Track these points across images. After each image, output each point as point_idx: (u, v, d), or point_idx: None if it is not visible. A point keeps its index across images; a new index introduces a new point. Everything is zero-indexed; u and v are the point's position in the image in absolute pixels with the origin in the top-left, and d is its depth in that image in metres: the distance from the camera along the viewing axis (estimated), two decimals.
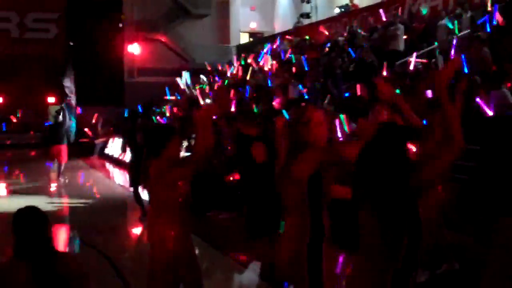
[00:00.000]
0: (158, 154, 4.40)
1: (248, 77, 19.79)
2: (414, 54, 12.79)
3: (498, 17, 12.12)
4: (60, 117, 16.26)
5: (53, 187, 14.85)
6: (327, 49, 18.38)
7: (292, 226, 3.75)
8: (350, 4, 21.92)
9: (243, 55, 24.28)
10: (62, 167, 15.66)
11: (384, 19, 16.67)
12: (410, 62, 12.70)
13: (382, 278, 3.22)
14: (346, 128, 10.05)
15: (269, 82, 17.42)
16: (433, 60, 12.48)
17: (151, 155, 4.46)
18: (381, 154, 3.31)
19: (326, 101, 12.79)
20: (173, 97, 23.18)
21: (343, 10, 22.91)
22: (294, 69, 17.48)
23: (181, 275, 4.37)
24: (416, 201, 3.58)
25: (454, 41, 12.08)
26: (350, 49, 16.25)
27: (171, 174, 4.27)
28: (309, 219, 3.65)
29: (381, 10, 17.32)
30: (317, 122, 3.79)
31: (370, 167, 3.33)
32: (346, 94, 13.16)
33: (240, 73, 21.37)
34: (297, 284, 3.73)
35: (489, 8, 12.80)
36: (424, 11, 16.33)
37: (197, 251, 4.59)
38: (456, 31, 13.02)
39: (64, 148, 15.68)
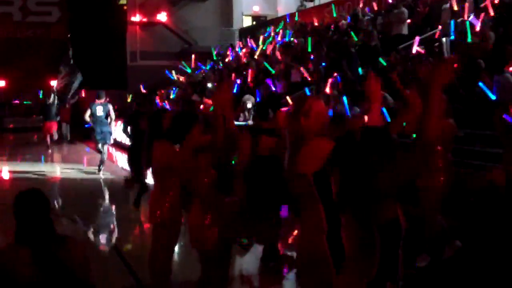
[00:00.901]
0: (180, 140, 4.40)
1: (256, 55, 19.72)
2: (417, 38, 12.71)
3: None
4: (51, 99, 19.85)
5: (53, 169, 15.06)
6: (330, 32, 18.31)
7: (308, 221, 3.68)
8: None
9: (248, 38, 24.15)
10: (54, 138, 19.20)
11: (390, 1, 16.53)
12: (413, 45, 12.62)
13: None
14: (348, 111, 10.02)
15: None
16: (437, 44, 12.40)
17: (174, 140, 4.46)
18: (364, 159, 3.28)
19: (328, 85, 12.72)
20: (180, 78, 23.10)
21: None
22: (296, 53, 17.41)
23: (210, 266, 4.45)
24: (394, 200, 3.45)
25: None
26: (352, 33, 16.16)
27: (198, 159, 4.30)
28: (322, 212, 3.57)
29: None
30: (318, 111, 3.70)
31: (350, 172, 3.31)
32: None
33: (243, 57, 21.28)
34: (320, 275, 3.64)
35: None
36: None
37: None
38: None
39: (54, 124, 19.42)
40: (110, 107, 14.14)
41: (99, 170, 13.86)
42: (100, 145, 13.93)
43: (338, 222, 3.52)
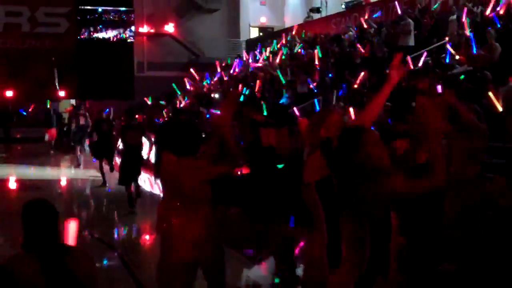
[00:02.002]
0: (194, 152, 4.40)
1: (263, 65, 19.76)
2: (425, 53, 12.74)
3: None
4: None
5: (57, 178, 15.23)
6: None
7: (315, 231, 3.73)
8: None
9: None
10: (52, 143, 22.48)
11: (399, 12, 16.59)
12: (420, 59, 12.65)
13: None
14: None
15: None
16: (443, 55, 12.44)
17: (184, 152, 4.44)
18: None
19: (334, 96, 12.75)
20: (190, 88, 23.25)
21: (349, 5, 22.85)
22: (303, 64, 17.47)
23: (204, 270, 4.44)
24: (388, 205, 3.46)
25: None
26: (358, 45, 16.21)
27: (209, 171, 4.32)
28: (324, 224, 3.61)
29: (396, 3, 17.22)
30: (338, 125, 3.79)
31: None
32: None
33: (249, 68, 21.37)
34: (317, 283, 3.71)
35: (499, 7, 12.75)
36: (435, 6, 16.25)
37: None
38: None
39: (53, 130, 22.78)
40: None
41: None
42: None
43: (338, 235, 3.56)
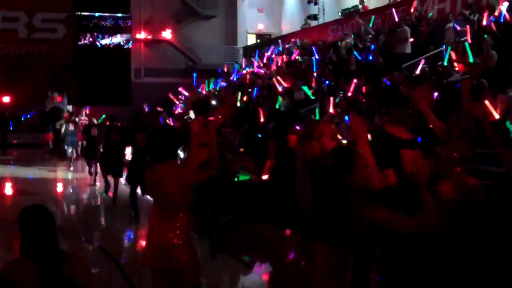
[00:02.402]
0: (168, 158, 4.38)
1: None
2: (422, 61, 12.77)
3: (506, 16, 12.19)
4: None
5: (54, 185, 15.21)
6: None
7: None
8: (360, 5, 21.92)
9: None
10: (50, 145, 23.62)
11: (397, 19, 16.66)
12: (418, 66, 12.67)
13: None
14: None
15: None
16: (439, 63, 12.47)
17: (157, 158, 4.43)
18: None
19: (331, 104, 12.76)
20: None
21: (346, 12, 22.93)
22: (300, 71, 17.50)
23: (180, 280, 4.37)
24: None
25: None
26: (355, 52, 16.25)
27: (185, 179, 4.28)
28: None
29: (393, 10, 17.29)
30: (329, 136, 3.78)
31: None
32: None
33: (248, 75, 21.40)
34: None
35: (496, 13, 12.81)
36: (431, 14, 16.31)
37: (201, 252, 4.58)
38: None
39: (50, 135, 23.86)
40: None
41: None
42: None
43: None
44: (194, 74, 24.17)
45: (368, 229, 3.15)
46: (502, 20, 12.44)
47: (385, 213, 3.14)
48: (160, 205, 4.42)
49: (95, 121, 16.22)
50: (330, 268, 3.31)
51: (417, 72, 12.50)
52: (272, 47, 23.86)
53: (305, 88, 15.06)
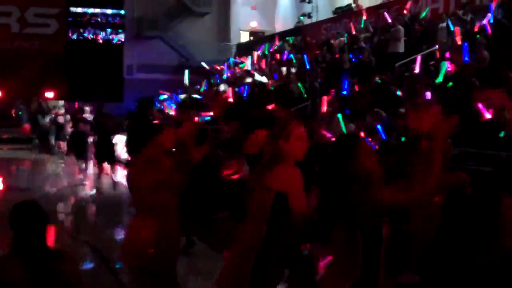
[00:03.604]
0: (137, 151, 4.36)
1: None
2: (419, 58, 12.75)
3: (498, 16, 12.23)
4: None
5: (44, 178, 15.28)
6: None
7: (246, 235, 3.72)
8: (354, 4, 21.95)
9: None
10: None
11: (389, 20, 16.69)
12: (415, 66, 12.61)
13: None
14: (344, 128, 10.03)
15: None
16: (432, 62, 12.49)
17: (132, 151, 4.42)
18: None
19: (324, 102, 12.75)
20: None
21: (339, 11, 22.96)
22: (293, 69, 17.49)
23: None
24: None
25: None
26: (350, 54, 16.25)
27: (149, 176, 4.24)
28: (264, 230, 3.61)
29: (385, 13, 17.31)
30: (297, 137, 3.76)
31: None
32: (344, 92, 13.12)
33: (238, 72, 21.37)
34: None
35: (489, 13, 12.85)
36: (423, 14, 16.33)
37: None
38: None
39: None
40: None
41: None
42: None
43: (275, 247, 3.61)
44: (186, 71, 23.98)
45: (372, 211, 3.17)
46: (492, 21, 12.47)
47: (391, 193, 3.17)
48: (135, 204, 4.42)
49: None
50: (340, 250, 3.34)
51: (416, 70, 12.45)
52: (264, 45, 23.83)
53: (300, 85, 15.05)
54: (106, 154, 12.89)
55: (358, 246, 3.20)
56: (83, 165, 15.16)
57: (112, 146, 13.16)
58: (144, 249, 4.24)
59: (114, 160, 13.10)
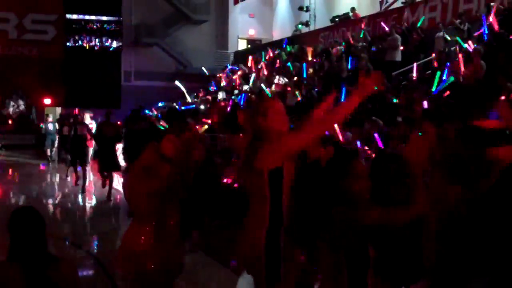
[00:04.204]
0: (133, 160, 4.37)
1: (250, 85, 19.81)
2: (415, 65, 12.78)
3: (494, 25, 12.26)
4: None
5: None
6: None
7: (253, 215, 3.71)
8: (351, 13, 22.02)
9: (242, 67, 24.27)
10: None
11: (386, 29, 16.73)
12: (412, 75, 12.63)
13: None
14: (339, 137, 10.04)
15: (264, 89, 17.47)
16: (429, 72, 12.53)
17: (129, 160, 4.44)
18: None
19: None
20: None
21: (336, 20, 23.04)
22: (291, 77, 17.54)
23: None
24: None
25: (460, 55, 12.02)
26: (349, 58, 16.29)
27: (145, 184, 4.22)
28: (268, 209, 3.59)
29: (383, 23, 17.38)
30: (275, 112, 3.69)
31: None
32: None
33: (237, 81, 21.40)
34: (255, 272, 3.68)
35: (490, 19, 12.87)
36: (420, 23, 16.38)
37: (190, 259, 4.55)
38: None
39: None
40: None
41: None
42: None
43: (281, 222, 3.58)
44: (177, 82, 23.76)
45: (358, 230, 3.16)
46: (487, 31, 12.53)
47: (380, 214, 3.17)
48: (132, 211, 4.43)
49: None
50: (326, 269, 3.34)
51: (413, 76, 12.46)
52: (263, 53, 23.88)
53: (297, 93, 15.08)
54: (111, 163, 12.40)
55: (342, 268, 3.19)
56: (75, 170, 14.62)
57: (115, 154, 12.89)
58: (140, 257, 4.22)
59: (119, 169, 12.68)
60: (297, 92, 15.27)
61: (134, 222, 4.36)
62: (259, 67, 21.69)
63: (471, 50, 11.52)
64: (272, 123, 3.66)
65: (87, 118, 19.00)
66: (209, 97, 20.32)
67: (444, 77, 11.46)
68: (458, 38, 12.89)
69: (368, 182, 3.35)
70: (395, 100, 11.19)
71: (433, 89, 11.11)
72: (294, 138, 3.63)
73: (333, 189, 3.26)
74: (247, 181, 3.76)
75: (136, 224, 4.33)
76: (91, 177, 15.61)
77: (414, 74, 12.46)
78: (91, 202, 13.20)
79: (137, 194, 4.25)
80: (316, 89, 15.36)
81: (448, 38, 13.61)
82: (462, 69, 11.21)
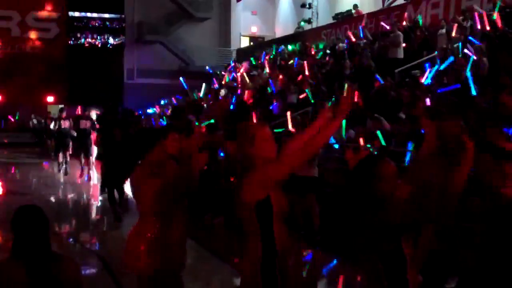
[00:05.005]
0: (142, 157, 4.37)
1: (247, 81, 19.81)
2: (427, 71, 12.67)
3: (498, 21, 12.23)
4: None
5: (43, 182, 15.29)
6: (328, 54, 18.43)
7: (247, 248, 3.66)
8: (354, 10, 21.98)
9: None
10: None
11: (388, 27, 16.70)
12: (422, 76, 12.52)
13: None
14: (344, 134, 10.05)
15: (271, 86, 17.48)
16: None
17: (136, 158, 4.42)
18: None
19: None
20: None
21: (339, 17, 23.02)
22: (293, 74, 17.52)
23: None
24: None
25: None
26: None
27: (152, 182, 4.23)
28: (259, 240, 3.49)
29: (383, 23, 17.34)
30: (262, 138, 3.58)
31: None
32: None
33: (239, 78, 21.39)
34: None
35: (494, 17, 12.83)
36: (420, 21, 16.33)
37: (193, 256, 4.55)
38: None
39: None
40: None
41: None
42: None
43: (274, 251, 3.50)
44: (181, 78, 23.81)
45: (394, 233, 3.14)
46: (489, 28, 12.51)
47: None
48: (139, 209, 4.43)
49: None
50: (366, 275, 3.32)
51: (423, 80, 12.37)
52: (265, 51, 23.88)
53: (307, 91, 15.00)
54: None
55: (380, 272, 3.16)
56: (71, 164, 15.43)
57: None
58: (145, 255, 4.23)
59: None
60: (306, 90, 15.20)
61: (141, 220, 4.36)
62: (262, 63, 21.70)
63: (470, 51, 11.49)
64: (259, 150, 3.55)
65: (93, 115, 18.96)
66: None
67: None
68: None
69: (396, 182, 3.32)
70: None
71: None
72: (276, 168, 3.51)
73: (361, 192, 3.23)
74: (238, 214, 3.63)
75: (143, 223, 4.33)
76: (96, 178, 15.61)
77: (424, 78, 12.30)
78: (94, 200, 13.20)
79: (145, 193, 4.25)
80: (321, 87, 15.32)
81: (454, 34, 13.54)
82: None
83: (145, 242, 4.24)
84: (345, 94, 3.55)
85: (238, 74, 22.02)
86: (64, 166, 16.17)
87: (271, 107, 15.45)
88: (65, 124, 15.78)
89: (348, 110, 3.56)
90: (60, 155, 16.26)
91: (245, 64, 22.92)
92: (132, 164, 4.53)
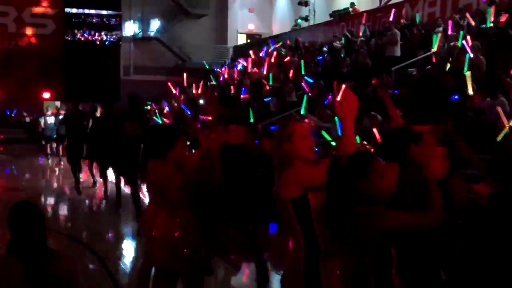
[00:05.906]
0: (163, 155, 4.39)
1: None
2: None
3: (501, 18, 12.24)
4: None
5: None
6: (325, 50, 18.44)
7: (286, 245, 3.65)
8: (351, 8, 21.98)
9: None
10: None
11: (385, 24, 16.72)
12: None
13: None
14: (339, 131, 10.03)
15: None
16: (428, 67, 12.51)
17: (153, 155, 4.45)
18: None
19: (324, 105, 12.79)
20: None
21: (336, 15, 23.02)
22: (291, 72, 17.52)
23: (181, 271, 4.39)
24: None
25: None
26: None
27: (177, 177, 4.27)
28: (302, 238, 3.47)
29: (378, 15, 17.38)
30: (300, 135, 3.57)
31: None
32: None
33: (235, 75, 21.39)
34: None
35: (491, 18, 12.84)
36: (418, 19, 16.34)
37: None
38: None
39: None
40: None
41: None
42: None
43: (317, 250, 3.48)
44: (184, 74, 23.90)
45: (378, 233, 3.12)
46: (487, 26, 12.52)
47: (396, 215, 3.15)
48: (163, 201, 4.43)
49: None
50: (349, 277, 3.30)
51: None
52: (264, 48, 23.85)
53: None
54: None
55: (368, 273, 3.15)
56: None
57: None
58: (171, 246, 4.29)
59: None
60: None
61: (167, 212, 4.37)
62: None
63: (468, 47, 11.49)
64: (298, 148, 3.54)
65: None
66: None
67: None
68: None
69: (390, 181, 3.30)
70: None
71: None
72: (314, 170, 3.49)
73: (352, 189, 3.21)
74: (277, 211, 3.63)
75: (169, 215, 4.35)
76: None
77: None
78: (93, 198, 13.18)
79: (171, 187, 4.28)
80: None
81: (450, 33, 13.56)
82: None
83: (171, 233, 4.30)
84: (340, 93, 3.49)
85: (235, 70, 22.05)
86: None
87: (266, 100, 15.49)
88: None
89: (355, 106, 3.50)
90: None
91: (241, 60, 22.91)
92: (145, 158, 4.58)
